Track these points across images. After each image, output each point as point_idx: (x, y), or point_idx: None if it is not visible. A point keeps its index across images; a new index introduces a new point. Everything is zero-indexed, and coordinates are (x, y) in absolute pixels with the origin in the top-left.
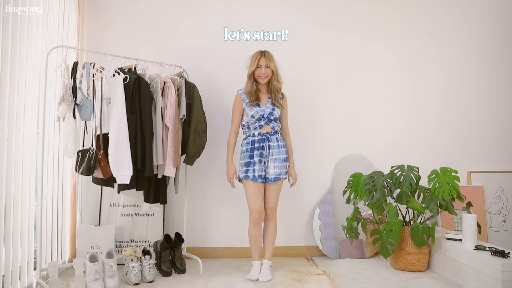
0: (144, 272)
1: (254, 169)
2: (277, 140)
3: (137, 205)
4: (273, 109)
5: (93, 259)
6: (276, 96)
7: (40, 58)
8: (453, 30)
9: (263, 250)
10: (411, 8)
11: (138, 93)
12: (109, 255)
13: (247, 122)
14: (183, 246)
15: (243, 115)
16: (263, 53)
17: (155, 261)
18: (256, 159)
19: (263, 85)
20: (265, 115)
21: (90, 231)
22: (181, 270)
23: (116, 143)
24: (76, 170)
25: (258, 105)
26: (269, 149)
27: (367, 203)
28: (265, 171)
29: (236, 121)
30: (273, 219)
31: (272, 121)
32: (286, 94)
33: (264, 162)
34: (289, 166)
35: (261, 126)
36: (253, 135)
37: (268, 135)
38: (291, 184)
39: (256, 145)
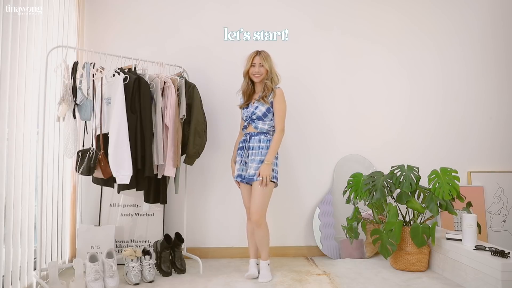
0: (144, 272)
1: (237, 169)
2: (258, 140)
3: (137, 205)
4: (256, 108)
5: (93, 259)
6: (266, 94)
7: (40, 58)
8: (453, 30)
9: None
10: (411, 9)
11: (138, 93)
12: (109, 255)
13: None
14: (183, 246)
15: None
16: (258, 52)
17: (155, 261)
18: (238, 159)
19: (258, 84)
20: (249, 115)
21: (90, 231)
22: (181, 270)
23: (116, 143)
24: (76, 170)
25: (247, 106)
26: (248, 149)
27: (367, 203)
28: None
29: (241, 122)
30: (259, 226)
31: (255, 120)
32: (281, 90)
33: (246, 163)
34: (262, 162)
35: (245, 127)
36: (243, 136)
37: (249, 136)
38: (259, 182)
39: (240, 145)
